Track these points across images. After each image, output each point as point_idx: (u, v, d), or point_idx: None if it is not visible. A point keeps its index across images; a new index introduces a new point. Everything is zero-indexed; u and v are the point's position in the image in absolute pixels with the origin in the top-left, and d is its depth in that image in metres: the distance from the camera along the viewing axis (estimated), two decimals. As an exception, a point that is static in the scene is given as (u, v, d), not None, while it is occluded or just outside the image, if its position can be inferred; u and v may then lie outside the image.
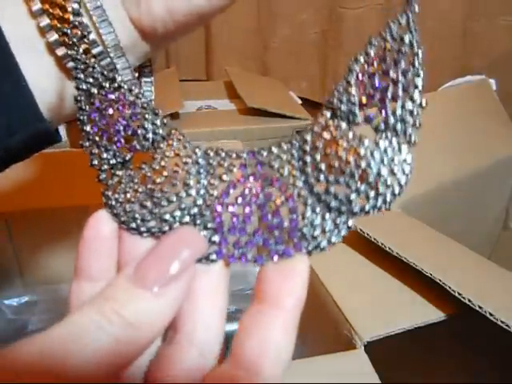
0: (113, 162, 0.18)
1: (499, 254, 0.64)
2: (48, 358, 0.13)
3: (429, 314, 0.35)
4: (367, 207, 0.16)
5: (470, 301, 0.32)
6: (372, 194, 0.16)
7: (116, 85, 0.18)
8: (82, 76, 0.18)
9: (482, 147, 0.57)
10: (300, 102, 0.87)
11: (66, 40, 0.19)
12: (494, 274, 0.38)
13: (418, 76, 0.16)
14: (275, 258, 0.16)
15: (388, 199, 0.16)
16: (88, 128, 0.18)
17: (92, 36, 0.19)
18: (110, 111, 0.18)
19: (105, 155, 0.18)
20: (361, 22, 1.16)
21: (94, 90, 0.18)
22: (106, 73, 0.18)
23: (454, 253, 0.40)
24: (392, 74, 0.16)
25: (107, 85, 0.18)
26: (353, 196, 0.16)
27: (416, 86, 0.16)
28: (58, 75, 0.21)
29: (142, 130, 0.17)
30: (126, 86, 0.18)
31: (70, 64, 0.20)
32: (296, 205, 0.17)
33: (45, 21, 0.20)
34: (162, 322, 0.15)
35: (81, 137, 0.18)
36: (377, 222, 0.41)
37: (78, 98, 0.18)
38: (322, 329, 0.39)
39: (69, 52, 0.19)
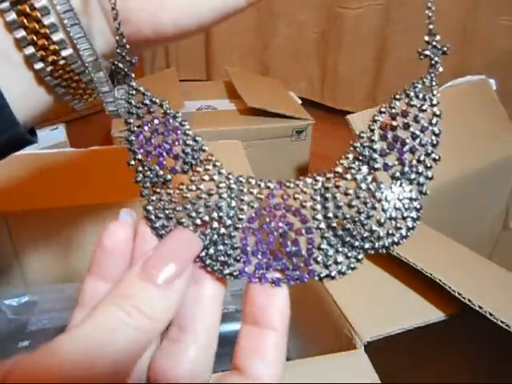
0: (155, 180, 0.19)
1: (499, 254, 0.64)
2: (89, 355, 0.15)
3: (429, 314, 0.35)
4: (377, 245, 0.18)
5: (470, 301, 0.32)
6: (383, 234, 0.18)
7: (162, 111, 0.19)
8: (133, 101, 0.19)
9: (481, 147, 0.57)
10: (300, 101, 0.87)
11: (44, 54, 0.20)
12: (494, 274, 0.38)
13: (435, 134, 0.17)
14: (291, 282, 0.18)
15: (396, 240, 0.18)
16: (135, 148, 0.19)
17: (68, 52, 0.20)
18: (156, 135, 0.19)
19: (148, 173, 0.19)
20: (361, 21, 1.15)
21: (143, 115, 0.19)
22: (154, 99, 0.19)
23: (454, 253, 0.40)
24: (413, 129, 0.17)
25: (154, 110, 0.19)
26: (366, 234, 0.18)
27: (432, 144, 0.17)
28: (33, 82, 0.21)
29: (183, 154, 0.19)
30: (171, 113, 0.19)
31: (47, 79, 0.21)
32: (314, 236, 0.18)
33: (20, 33, 0.20)
34: (170, 315, 0.17)
35: (128, 156, 0.20)
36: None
37: (128, 121, 0.19)
38: (322, 329, 0.39)
39: (46, 68, 0.20)
